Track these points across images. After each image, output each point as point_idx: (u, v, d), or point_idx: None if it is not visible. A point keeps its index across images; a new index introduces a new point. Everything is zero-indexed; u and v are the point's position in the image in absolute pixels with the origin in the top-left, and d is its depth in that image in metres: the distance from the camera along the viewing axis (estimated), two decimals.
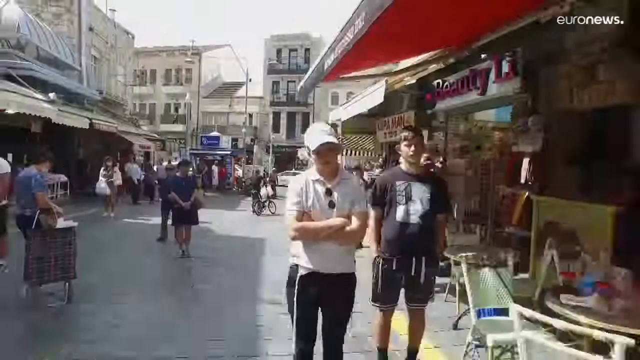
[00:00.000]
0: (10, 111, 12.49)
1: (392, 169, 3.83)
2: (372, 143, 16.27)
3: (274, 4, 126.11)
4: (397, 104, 11.36)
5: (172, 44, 44.08)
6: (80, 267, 5.11)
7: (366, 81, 17.42)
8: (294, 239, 2.47)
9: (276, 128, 39.02)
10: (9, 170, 5.71)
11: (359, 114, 10.97)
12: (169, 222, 7.93)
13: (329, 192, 2.46)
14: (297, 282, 2.47)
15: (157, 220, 9.08)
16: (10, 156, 14.33)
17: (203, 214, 8.11)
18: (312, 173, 2.53)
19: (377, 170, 12.20)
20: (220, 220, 12.01)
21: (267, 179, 22.14)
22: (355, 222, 2.43)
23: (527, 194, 6.17)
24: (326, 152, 2.43)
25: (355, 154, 16.57)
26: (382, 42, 4.62)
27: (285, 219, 2.50)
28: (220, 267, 6.84)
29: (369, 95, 7.73)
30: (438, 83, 9.15)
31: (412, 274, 3.05)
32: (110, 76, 22.80)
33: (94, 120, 16.07)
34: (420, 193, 3.10)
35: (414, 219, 3.06)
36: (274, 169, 22.37)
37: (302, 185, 2.47)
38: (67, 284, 4.72)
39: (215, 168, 23.75)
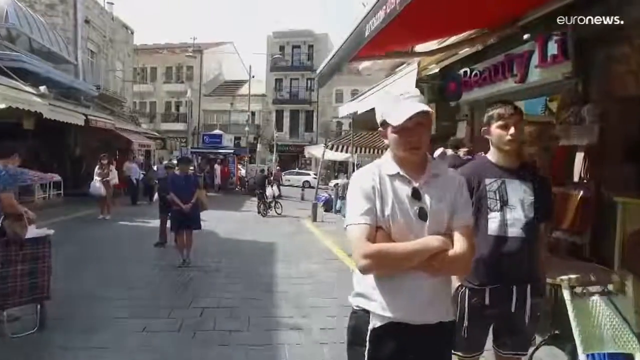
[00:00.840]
0: (0, 105, 11.64)
1: (475, 161, 2.84)
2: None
3: (276, 1, 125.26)
4: None
5: (173, 41, 43.27)
6: (59, 283, 4.22)
7: (374, 76, 16.58)
8: (365, 270, 1.52)
9: (279, 126, 38.08)
10: None
11: (359, 113, 10.08)
12: (169, 225, 7.02)
13: (416, 195, 1.53)
14: (368, 338, 1.53)
15: (157, 222, 8.17)
16: None
17: (205, 215, 7.19)
18: (387, 164, 1.61)
19: None
20: (224, 221, 11.08)
21: (272, 178, 21.27)
22: (459, 243, 1.51)
23: (581, 193, 5.25)
24: (416, 129, 1.51)
25: (367, 151, 15.65)
26: (413, 20, 3.73)
27: (349, 237, 1.54)
28: (226, 278, 5.89)
29: (394, 83, 6.73)
30: (465, 72, 8.26)
31: (513, 310, 2.10)
32: (108, 72, 21.90)
33: (89, 117, 15.18)
34: (520, 194, 2.15)
35: (514, 231, 2.11)
36: (278, 168, 21.47)
37: (373, 182, 1.55)
38: (38, 306, 3.80)
39: (217, 167, 22.83)
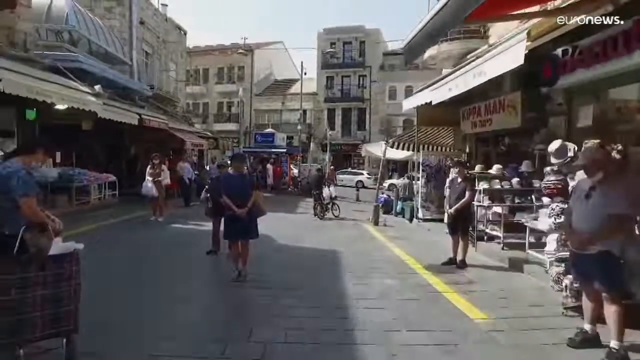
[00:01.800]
0: (60, 107, 11.53)
1: None
2: (451, 136, 13.94)
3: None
4: (493, 84, 8.90)
5: (225, 42, 43.65)
6: (93, 303, 3.46)
7: (440, 65, 15.17)
8: None
9: (331, 125, 37.16)
10: None
11: (434, 102, 8.84)
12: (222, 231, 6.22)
13: None
14: None
15: (210, 226, 7.38)
16: (58, 155, 13.61)
17: (260, 218, 6.32)
18: None
19: (454, 171, 9.92)
20: (280, 225, 10.23)
21: (327, 178, 20.37)
22: None
23: None
24: None
25: (430, 149, 14.30)
26: None
27: None
28: (289, 298, 4.94)
29: (492, 60, 5.44)
30: (565, 50, 6.85)
31: None
32: (161, 72, 21.95)
33: (143, 116, 14.96)
34: None
35: None
36: (332, 167, 20.53)
37: None
38: (65, 341, 3.02)
39: (270, 167, 22.22)
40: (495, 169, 8.07)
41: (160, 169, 11.07)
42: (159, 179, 10.88)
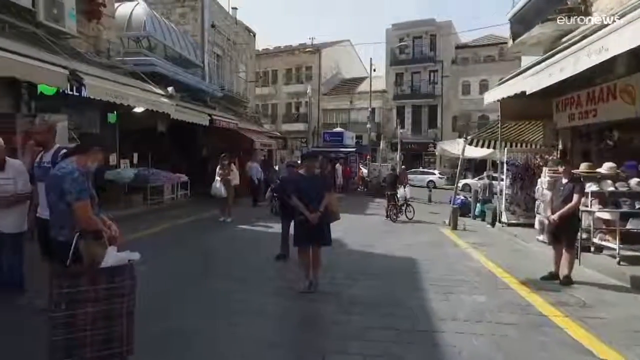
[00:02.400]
0: (137, 110, 11.92)
1: None
2: (539, 131, 12.49)
3: None
4: (602, 68, 7.51)
5: (293, 43, 44.02)
6: (148, 312, 3.12)
7: (506, 63, 13.61)
8: None
9: (401, 123, 35.93)
10: None
11: (517, 94, 7.72)
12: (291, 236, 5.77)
13: None
14: None
15: (279, 228, 7.01)
16: (135, 156, 14.18)
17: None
18: None
19: (550, 170, 8.66)
20: (351, 228, 9.66)
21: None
22: None
23: None
24: None
25: (514, 146, 12.97)
26: None
27: None
28: (366, 316, 4.34)
29: (619, 32, 4.38)
30: None
31: None
32: (232, 73, 22.34)
33: (213, 117, 15.17)
34: None
35: None
36: (403, 167, 19.60)
37: None
38: None
39: (339, 167, 21.73)
40: (606, 167, 6.83)
41: (229, 169, 10.98)
42: (229, 178, 10.79)
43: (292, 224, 5.61)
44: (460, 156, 12.13)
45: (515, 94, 8.00)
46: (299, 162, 6.15)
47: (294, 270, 5.66)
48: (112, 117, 12.08)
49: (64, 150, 4.06)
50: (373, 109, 28.50)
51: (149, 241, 8.37)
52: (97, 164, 3.03)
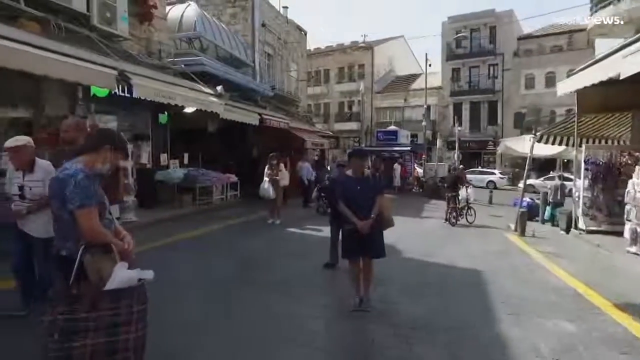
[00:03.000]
0: (188, 110, 11.89)
1: None
2: (625, 125, 11.01)
3: None
4: None
5: (344, 42, 43.41)
6: (179, 324, 2.66)
7: (575, 53, 12.09)
8: None
9: (458, 120, 34.21)
10: None
11: (597, 83, 6.58)
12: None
13: None
14: None
15: (329, 232, 6.43)
16: (186, 156, 14.23)
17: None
18: None
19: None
20: (405, 233, 8.89)
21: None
22: None
23: None
24: None
25: (593, 142, 11.56)
26: None
27: None
28: (427, 342, 3.66)
29: None
30: None
31: None
32: (283, 72, 22.14)
33: (264, 116, 14.93)
34: None
35: None
36: (461, 166, 18.39)
37: None
38: None
39: (397, 167, 20.74)
40: None
41: (278, 169, 10.57)
42: (277, 178, 10.39)
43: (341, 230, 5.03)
44: (528, 154, 10.93)
45: (595, 83, 6.92)
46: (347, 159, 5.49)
47: (344, 282, 5.07)
48: (162, 118, 12.14)
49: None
50: (428, 107, 27.22)
51: (193, 243, 8.16)
52: (109, 165, 2.60)
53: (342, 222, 4.48)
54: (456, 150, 23.21)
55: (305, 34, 25.80)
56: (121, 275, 2.29)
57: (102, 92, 9.44)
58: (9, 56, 6.27)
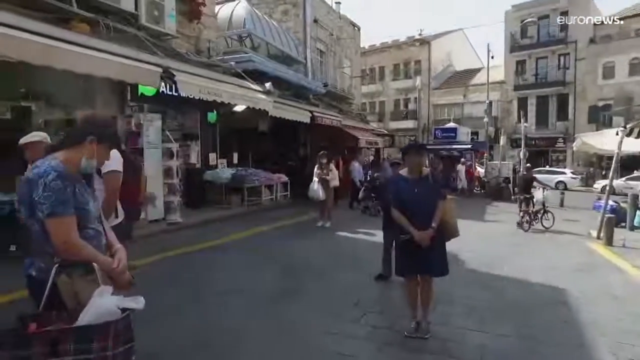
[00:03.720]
0: (237, 109, 11.65)
1: None
2: None
3: None
4: None
5: (400, 37, 42.01)
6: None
7: None
8: None
9: (524, 116, 31.79)
10: (120, 169, 3.24)
11: None
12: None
13: None
14: None
15: (382, 237, 5.69)
16: (235, 156, 14.02)
17: None
18: None
19: None
20: (469, 239, 7.89)
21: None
22: None
23: None
24: None
25: None
26: None
27: None
28: None
29: None
30: None
31: None
32: (335, 69, 21.53)
33: (315, 113, 14.40)
34: None
35: None
36: (528, 165, 16.80)
37: None
38: None
39: (461, 167, 19.20)
40: None
41: (328, 168, 9.93)
42: (327, 178, 9.76)
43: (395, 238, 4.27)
44: (616, 150, 9.46)
45: None
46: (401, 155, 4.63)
47: (398, 298, 4.33)
48: (211, 117, 11.95)
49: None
50: (490, 102, 25.38)
51: (239, 246, 7.75)
52: (95, 161, 2.06)
53: (397, 231, 3.73)
54: (522, 148, 21.35)
55: (359, 30, 25.02)
56: (99, 305, 1.74)
57: (149, 90, 9.32)
58: (53, 55, 6.17)
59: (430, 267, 3.59)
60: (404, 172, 3.81)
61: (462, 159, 19.75)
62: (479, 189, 20.32)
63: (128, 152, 3.88)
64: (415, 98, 34.77)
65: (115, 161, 3.14)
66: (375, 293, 5.08)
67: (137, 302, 1.83)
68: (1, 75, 7.19)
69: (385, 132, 27.70)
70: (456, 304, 4.53)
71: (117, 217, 3.36)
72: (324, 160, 9.95)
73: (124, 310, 1.77)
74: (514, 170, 19.82)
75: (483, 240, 8.45)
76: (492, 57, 23.05)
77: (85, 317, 1.69)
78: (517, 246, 8.15)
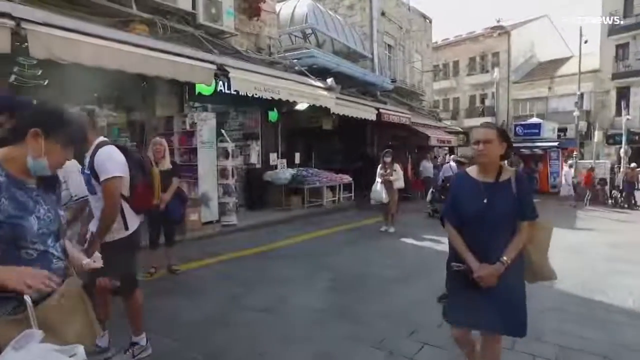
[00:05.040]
0: (299, 107, 11.29)
1: None
2: None
3: None
4: None
5: (476, 29, 39.41)
6: None
7: None
8: None
9: (619, 109, 28.09)
10: (122, 174, 2.86)
11: None
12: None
13: None
14: None
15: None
16: (297, 155, 13.58)
17: None
18: None
19: None
20: (560, 251, 6.65)
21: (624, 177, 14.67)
22: None
23: None
24: None
25: None
26: None
27: None
28: None
29: None
30: None
31: None
32: (405, 64, 20.44)
33: (381, 110, 13.61)
34: None
35: None
36: (633, 165, 14.53)
37: None
38: None
39: (569, 170, 16.42)
40: None
41: (392, 168, 9.09)
42: (390, 179, 8.93)
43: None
44: None
45: None
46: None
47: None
48: (272, 116, 11.64)
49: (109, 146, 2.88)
50: (582, 94, 22.60)
51: (295, 250, 7.25)
52: (46, 160, 1.55)
53: (450, 256, 2.56)
54: (623, 145, 18.68)
55: (430, 22, 23.65)
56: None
57: (206, 90, 9.18)
58: (104, 56, 6.10)
59: (496, 319, 2.34)
60: (472, 170, 2.54)
61: (570, 160, 17.25)
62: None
63: (132, 150, 3.47)
64: (493, 93, 32.29)
65: (115, 165, 2.80)
66: (438, 318, 4.22)
67: (74, 355, 1.29)
68: (74, 82, 7.43)
69: (459, 129, 25.93)
70: (542, 340, 3.55)
71: (126, 229, 2.98)
72: (388, 160, 9.11)
73: None
74: (612, 170, 17.40)
75: (575, 254, 7.11)
76: (586, 42, 20.38)
77: None
78: (620, 262, 6.71)
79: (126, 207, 2.96)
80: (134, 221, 3.04)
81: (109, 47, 6.20)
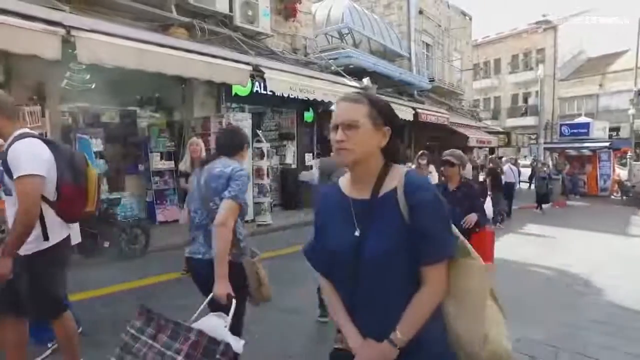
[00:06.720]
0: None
1: None
2: None
3: None
4: None
5: (519, 26, 38.00)
6: None
7: None
8: None
9: None
10: (41, 172, 2.29)
11: None
12: None
13: None
14: None
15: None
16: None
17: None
18: None
19: None
20: (611, 260, 6.26)
21: None
22: None
23: None
24: None
25: None
26: None
27: None
28: None
29: None
30: None
31: None
32: (444, 63, 19.98)
33: (418, 110, 13.36)
34: None
35: None
36: None
37: None
38: None
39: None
40: None
41: (427, 170, 8.86)
42: None
43: None
44: None
45: None
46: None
47: None
48: (308, 117, 11.67)
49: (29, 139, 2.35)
50: (638, 91, 21.27)
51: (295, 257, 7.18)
52: None
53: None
54: None
55: (470, 19, 23.00)
56: (215, 325, 1.40)
57: (243, 91, 9.30)
58: (144, 59, 6.30)
59: None
60: (343, 181, 1.48)
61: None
62: (617, 194, 17.12)
63: (63, 146, 2.67)
64: (537, 92, 30.99)
65: (32, 161, 2.26)
66: None
67: (237, 342, 1.54)
68: (118, 85, 7.79)
69: (501, 129, 25.09)
70: (590, 359, 3.32)
71: (46, 239, 2.38)
72: (424, 161, 8.85)
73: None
74: None
75: (627, 263, 6.66)
76: None
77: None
78: None
79: (49, 213, 2.38)
80: (58, 231, 2.46)
81: (150, 51, 6.41)
